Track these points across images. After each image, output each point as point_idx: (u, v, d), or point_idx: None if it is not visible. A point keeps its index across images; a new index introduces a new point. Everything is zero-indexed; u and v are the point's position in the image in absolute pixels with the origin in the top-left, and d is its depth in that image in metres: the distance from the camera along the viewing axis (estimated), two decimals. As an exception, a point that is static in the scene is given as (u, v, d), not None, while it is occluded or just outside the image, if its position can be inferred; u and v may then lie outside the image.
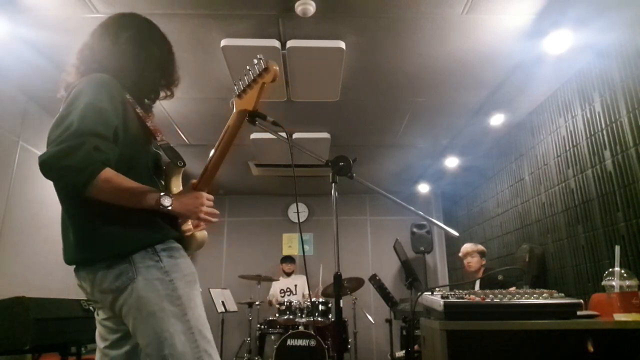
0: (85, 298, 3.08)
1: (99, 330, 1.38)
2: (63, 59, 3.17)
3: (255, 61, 1.33)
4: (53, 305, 2.68)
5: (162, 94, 1.52)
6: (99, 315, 1.38)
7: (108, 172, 1.17)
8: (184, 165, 1.41)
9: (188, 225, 1.41)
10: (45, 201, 3.85)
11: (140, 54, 1.41)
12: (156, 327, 1.20)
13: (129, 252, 1.23)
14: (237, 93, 1.38)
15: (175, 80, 1.52)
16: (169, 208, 1.25)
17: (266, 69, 1.32)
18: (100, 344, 1.37)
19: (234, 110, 1.39)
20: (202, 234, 1.46)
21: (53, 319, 2.58)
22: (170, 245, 1.30)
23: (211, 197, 1.39)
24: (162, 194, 1.26)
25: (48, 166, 1.13)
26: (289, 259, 6.15)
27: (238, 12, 2.81)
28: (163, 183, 1.43)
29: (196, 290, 1.30)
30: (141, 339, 1.22)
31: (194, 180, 1.40)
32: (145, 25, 1.48)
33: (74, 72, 1.38)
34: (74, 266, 1.31)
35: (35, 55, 3.14)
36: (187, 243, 1.41)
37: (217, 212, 1.41)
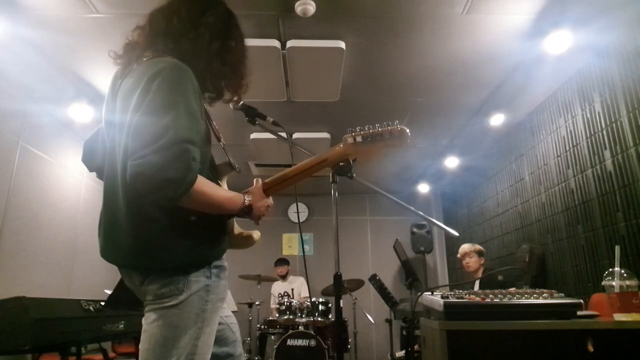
0: (86, 298, 3.07)
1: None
2: (63, 59, 3.20)
3: (390, 123, 1.36)
4: (53, 305, 2.67)
5: (227, 95, 1.44)
6: None
7: (201, 183, 1.12)
8: (240, 170, 1.41)
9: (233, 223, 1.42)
10: (45, 201, 3.82)
11: (215, 44, 1.33)
12: (168, 342, 1.14)
13: (190, 267, 1.19)
14: (353, 135, 1.38)
15: (244, 85, 1.43)
16: (251, 213, 1.29)
17: (401, 134, 1.34)
18: None
19: (342, 146, 1.39)
20: (257, 233, 1.50)
21: (53, 319, 2.57)
22: (221, 263, 1.27)
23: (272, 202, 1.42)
24: (245, 199, 1.27)
25: (146, 178, 1.03)
26: (280, 262, 6.04)
27: (238, 12, 2.74)
28: (220, 184, 1.40)
29: (218, 317, 1.26)
30: (146, 341, 1.17)
31: (265, 181, 1.40)
32: (226, 16, 1.44)
33: (143, 40, 1.29)
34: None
35: (35, 55, 3.14)
36: (241, 242, 1.43)
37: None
